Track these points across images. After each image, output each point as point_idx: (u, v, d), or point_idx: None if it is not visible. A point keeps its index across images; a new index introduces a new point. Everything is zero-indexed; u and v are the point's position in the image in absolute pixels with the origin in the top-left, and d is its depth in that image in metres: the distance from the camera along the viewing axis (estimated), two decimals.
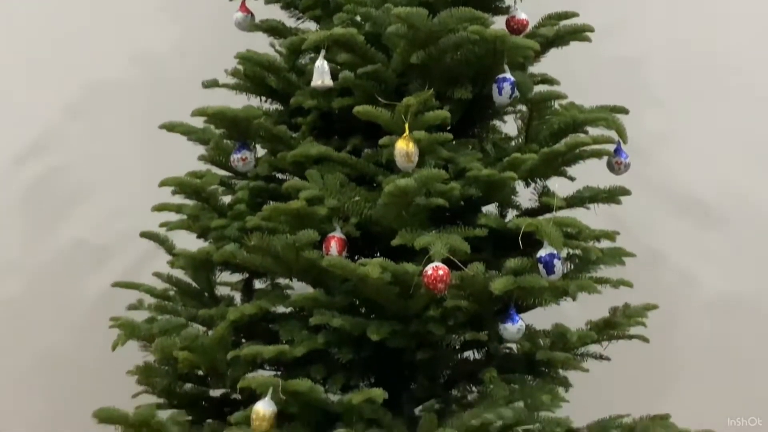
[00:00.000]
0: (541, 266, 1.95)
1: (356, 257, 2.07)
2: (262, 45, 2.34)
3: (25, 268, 2.89)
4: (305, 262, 2.01)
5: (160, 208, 2.26)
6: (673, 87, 2.94)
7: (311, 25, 2.33)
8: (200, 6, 2.88)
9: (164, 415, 2.11)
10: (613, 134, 2.16)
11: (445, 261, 1.91)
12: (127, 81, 2.92)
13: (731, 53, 2.95)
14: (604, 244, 2.22)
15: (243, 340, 2.14)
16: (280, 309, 2.19)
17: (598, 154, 2.16)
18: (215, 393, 2.26)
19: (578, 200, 2.21)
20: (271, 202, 2.06)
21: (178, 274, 2.31)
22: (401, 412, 2.10)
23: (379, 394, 1.93)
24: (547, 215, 2.09)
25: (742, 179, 2.94)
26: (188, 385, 2.24)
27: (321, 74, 2.09)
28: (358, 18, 2.15)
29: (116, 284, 2.35)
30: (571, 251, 2.15)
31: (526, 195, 2.24)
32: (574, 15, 2.30)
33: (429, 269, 1.89)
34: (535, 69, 2.32)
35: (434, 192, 1.99)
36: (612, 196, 2.21)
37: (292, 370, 2.06)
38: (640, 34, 2.95)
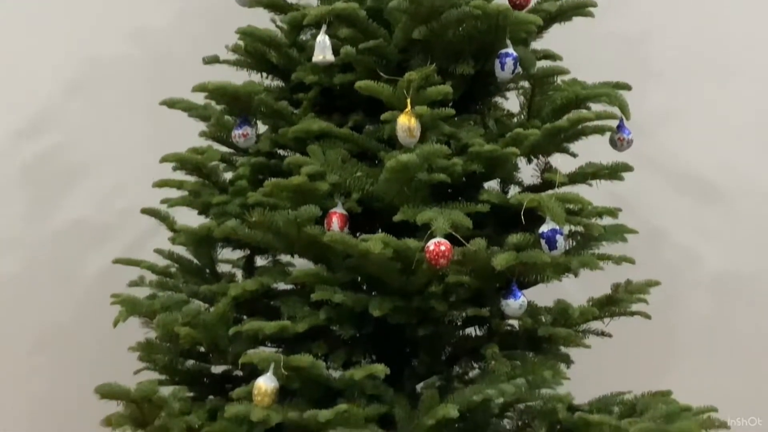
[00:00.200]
0: (543, 242, 1.95)
1: (358, 233, 2.07)
2: (263, 20, 2.32)
3: (25, 246, 2.88)
4: (307, 238, 2.01)
5: (161, 184, 2.25)
6: (676, 64, 2.93)
7: (312, 0, 2.31)
8: None
9: (166, 391, 2.12)
10: (615, 110, 2.15)
11: (447, 237, 1.90)
12: (128, 57, 2.90)
13: (734, 31, 2.93)
14: (606, 221, 2.21)
15: (244, 318, 2.14)
16: (282, 286, 2.19)
17: (600, 131, 2.15)
18: (217, 370, 2.27)
19: (580, 176, 2.20)
20: (273, 179, 2.06)
21: (180, 250, 2.31)
22: (403, 388, 2.10)
23: (380, 369, 1.93)
24: (550, 191, 2.08)
25: (744, 157, 2.93)
26: (190, 362, 2.24)
27: (322, 49, 2.08)
28: None
29: (117, 261, 2.35)
30: (573, 228, 2.14)
31: (528, 171, 2.24)
32: None
33: (431, 244, 1.88)
34: (538, 45, 2.30)
35: (436, 168, 1.99)
36: (614, 172, 2.20)
37: (294, 347, 2.06)
38: (643, 10, 2.93)
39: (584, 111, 2.13)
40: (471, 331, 2.21)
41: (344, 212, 2.03)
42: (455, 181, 2.03)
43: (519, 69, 2.11)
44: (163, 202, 2.32)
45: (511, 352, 2.10)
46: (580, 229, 2.15)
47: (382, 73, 2.05)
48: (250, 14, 2.34)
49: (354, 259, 2.01)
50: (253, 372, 1.96)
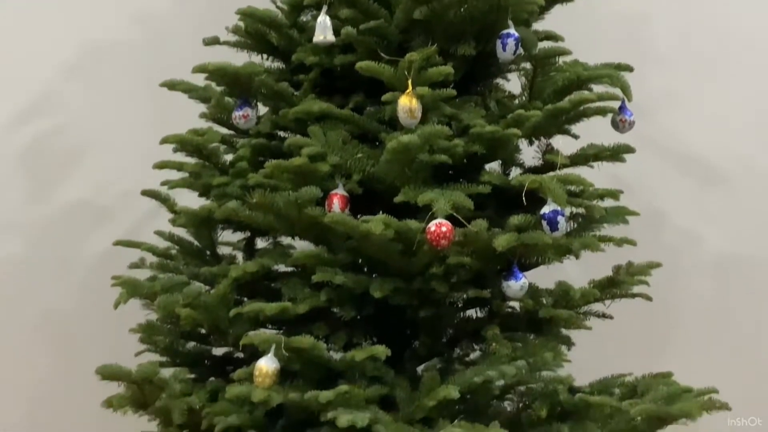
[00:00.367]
0: (544, 223, 1.95)
1: (359, 215, 2.06)
2: (263, 1, 2.31)
3: (26, 228, 2.88)
4: (308, 219, 2.00)
5: (162, 165, 2.25)
6: (677, 46, 2.92)
7: None
8: None
9: (167, 373, 2.12)
10: (617, 92, 2.14)
11: (449, 218, 1.90)
12: (127, 39, 2.89)
13: (736, 13, 2.92)
14: (608, 203, 2.21)
15: (245, 300, 2.14)
16: (282, 269, 2.18)
17: (602, 112, 2.14)
18: (218, 352, 2.27)
19: (582, 158, 2.19)
20: (273, 160, 2.05)
21: (180, 232, 2.31)
22: (403, 370, 2.10)
23: (381, 351, 1.93)
24: (551, 173, 2.08)
25: (746, 140, 2.93)
26: (191, 344, 2.25)
27: (323, 30, 2.07)
28: None
29: (118, 243, 2.35)
30: (574, 210, 2.14)
31: (529, 153, 2.23)
32: None
33: (432, 225, 1.88)
34: (540, 26, 2.30)
35: (437, 149, 1.98)
36: (616, 153, 2.19)
37: (294, 329, 2.06)
38: None
39: (586, 92, 2.12)
40: (472, 313, 2.21)
41: (345, 193, 2.02)
42: (456, 163, 2.03)
43: (520, 50, 2.10)
44: (163, 184, 2.31)
45: (511, 334, 2.10)
46: (581, 211, 2.15)
47: (383, 54, 2.04)
48: None
49: (355, 240, 2.00)
50: (254, 354, 1.96)
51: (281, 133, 2.23)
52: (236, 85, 2.18)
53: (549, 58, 2.19)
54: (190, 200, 2.27)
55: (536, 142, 2.20)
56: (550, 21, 2.31)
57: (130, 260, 2.36)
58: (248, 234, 2.30)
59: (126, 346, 2.27)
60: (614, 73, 2.14)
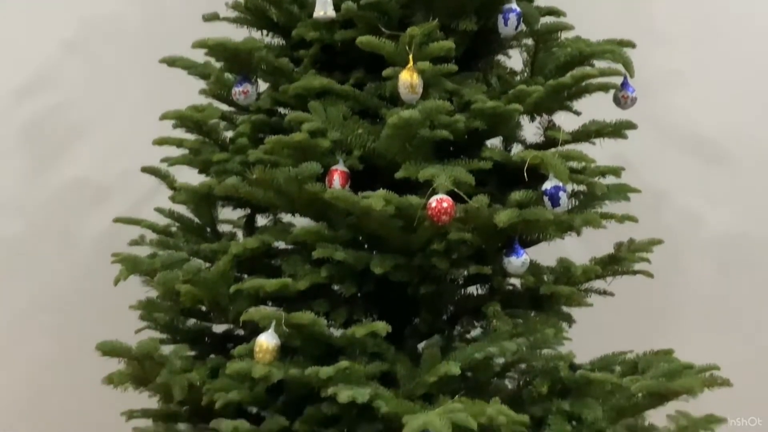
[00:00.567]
0: (546, 199, 1.94)
1: (359, 191, 2.05)
2: None
3: (25, 206, 2.88)
4: (308, 195, 1.99)
5: (161, 141, 2.24)
6: (680, 23, 2.90)
7: None
8: None
9: (167, 350, 2.12)
10: (619, 68, 2.13)
11: (450, 194, 1.89)
12: (127, 15, 2.88)
13: None
14: (609, 180, 2.20)
15: (245, 277, 2.13)
16: (282, 246, 2.18)
17: (604, 88, 2.14)
18: (218, 329, 2.27)
19: (584, 134, 2.17)
20: (273, 136, 2.04)
21: (180, 209, 2.30)
22: (404, 346, 2.10)
23: (382, 327, 1.92)
24: (553, 149, 2.07)
25: (749, 118, 2.92)
26: (191, 321, 2.24)
27: (323, 5, 2.06)
28: None
29: (117, 220, 2.34)
30: (576, 187, 2.13)
31: (531, 130, 2.22)
32: None
33: (433, 201, 1.87)
34: (542, 2, 2.28)
35: (438, 124, 1.97)
36: (618, 130, 2.17)
37: (295, 305, 2.05)
38: None
39: (588, 68, 2.10)
40: (473, 289, 2.20)
41: (345, 169, 2.01)
42: (457, 138, 2.02)
43: (522, 25, 2.09)
44: (163, 160, 2.31)
45: (512, 311, 2.10)
46: (582, 188, 2.14)
47: (383, 29, 2.02)
48: None
49: (355, 216, 1.99)
50: (254, 331, 1.95)
51: (281, 110, 2.22)
52: (236, 61, 2.17)
53: (551, 34, 2.18)
54: (190, 177, 2.26)
55: (538, 119, 2.19)
56: None
57: (130, 237, 2.36)
58: (248, 211, 2.29)
59: (126, 323, 2.26)
60: (617, 48, 2.13)
